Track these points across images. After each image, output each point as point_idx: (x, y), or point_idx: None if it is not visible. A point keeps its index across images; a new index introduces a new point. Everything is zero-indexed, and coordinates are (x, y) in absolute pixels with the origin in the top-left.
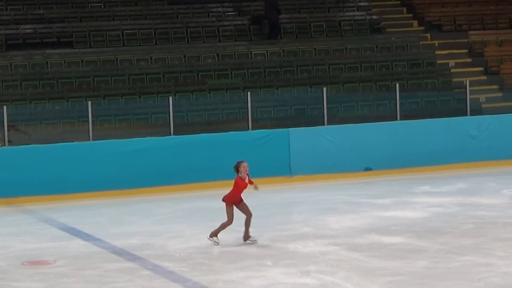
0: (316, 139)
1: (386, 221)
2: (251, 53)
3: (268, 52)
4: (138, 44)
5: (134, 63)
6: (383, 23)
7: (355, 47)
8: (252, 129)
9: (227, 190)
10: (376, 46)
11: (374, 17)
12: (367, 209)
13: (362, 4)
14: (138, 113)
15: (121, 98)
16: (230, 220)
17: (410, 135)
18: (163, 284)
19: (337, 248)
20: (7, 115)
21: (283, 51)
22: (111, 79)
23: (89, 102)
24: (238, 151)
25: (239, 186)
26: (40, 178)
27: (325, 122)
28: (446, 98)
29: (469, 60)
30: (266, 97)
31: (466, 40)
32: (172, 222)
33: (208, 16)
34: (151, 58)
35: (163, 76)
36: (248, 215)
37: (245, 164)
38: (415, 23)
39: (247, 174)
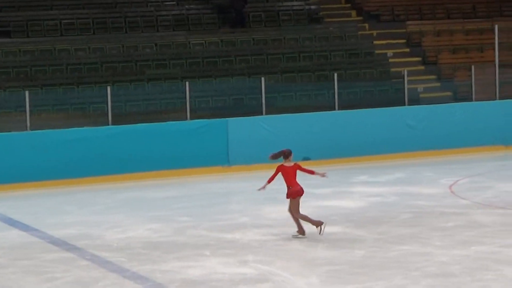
0: (254, 129)
1: (324, 211)
2: (189, 43)
3: (206, 42)
4: (76, 33)
5: (72, 53)
6: (321, 13)
7: (293, 37)
8: (191, 119)
9: (165, 180)
10: (315, 36)
11: (312, 7)
12: (305, 199)
13: None
14: (76, 103)
15: (59, 87)
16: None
17: (348, 125)
18: (101, 274)
19: (275, 237)
20: None
21: (221, 41)
22: (49, 68)
23: (27, 92)
24: (176, 140)
25: (289, 172)
26: None
27: (263, 112)
28: (384, 88)
29: (407, 50)
30: (204, 87)
31: (404, 30)
32: (110, 212)
33: (147, 5)
34: (89, 48)
35: (101, 66)
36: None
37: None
38: (354, 13)
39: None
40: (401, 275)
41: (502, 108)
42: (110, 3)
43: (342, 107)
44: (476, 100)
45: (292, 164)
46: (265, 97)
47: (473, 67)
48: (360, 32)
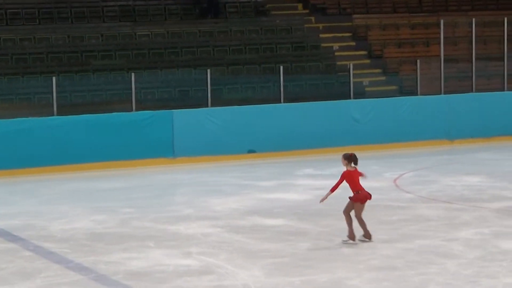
0: (200, 121)
1: (269, 203)
2: (135, 34)
3: (152, 33)
4: (22, 23)
5: (18, 43)
6: (268, 5)
7: (239, 29)
8: (136, 110)
9: (110, 171)
10: (261, 29)
11: None
12: (250, 191)
13: None
14: (21, 93)
15: (4, 78)
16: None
17: (294, 118)
18: (44, 265)
19: (220, 230)
20: None
21: (167, 32)
22: None
23: None
24: (121, 132)
25: (355, 177)
26: None
27: (209, 104)
28: (330, 81)
29: (353, 43)
30: (150, 78)
31: (350, 23)
32: (55, 203)
33: None
34: (34, 38)
35: (47, 56)
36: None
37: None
38: (300, 6)
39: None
40: (345, 268)
41: (447, 103)
42: None
43: (288, 99)
44: (421, 94)
45: (355, 169)
46: (211, 89)
47: (418, 61)
48: (306, 25)
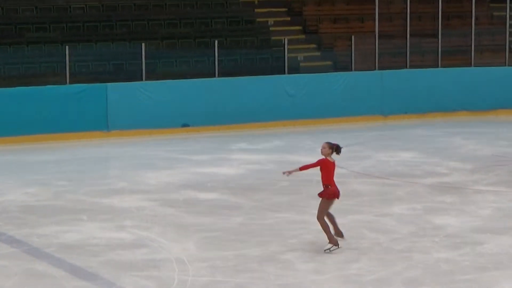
0: (134, 95)
1: (202, 177)
2: (70, 6)
3: (87, 6)
4: None
5: None
6: None
7: (174, 3)
8: (70, 83)
9: (43, 144)
10: (196, 3)
11: None
12: (183, 165)
13: None
14: None
15: None
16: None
17: (228, 92)
18: None
19: (153, 203)
20: None
21: (102, 5)
22: None
23: None
24: (55, 105)
25: (331, 169)
26: None
27: (143, 78)
28: (265, 56)
29: (288, 19)
30: (84, 52)
31: None
32: None
33: None
34: None
35: None
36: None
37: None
38: None
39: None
40: (278, 243)
41: (381, 79)
42: None
43: (222, 74)
44: (356, 70)
45: (333, 161)
46: (145, 63)
47: (353, 37)
48: (241, 0)
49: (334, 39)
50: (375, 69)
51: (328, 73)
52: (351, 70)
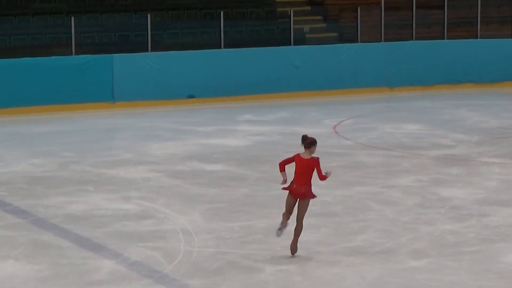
0: (139, 66)
1: (208, 149)
2: None
3: None
4: None
5: None
6: None
7: None
8: (76, 54)
9: (49, 115)
10: None
11: None
12: (189, 137)
13: None
14: None
15: None
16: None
17: (233, 64)
18: None
19: (159, 174)
20: None
21: None
22: None
23: None
24: (61, 76)
25: (302, 167)
26: None
27: (149, 49)
28: (271, 27)
29: None
30: (90, 23)
31: None
32: None
33: None
34: None
35: None
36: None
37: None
38: None
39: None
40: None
41: (387, 51)
42: None
43: (228, 45)
44: (362, 41)
45: (309, 157)
46: (151, 34)
47: (359, 8)
48: None
49: (340, 11)
50: (381, 40)
51: (334, 45)
52: (357, 41)
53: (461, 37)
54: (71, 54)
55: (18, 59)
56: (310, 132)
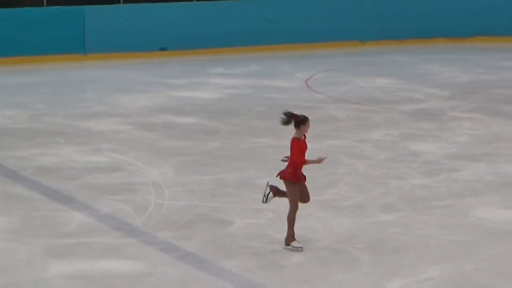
0: (111, 18)
1: (179, 101)
2: None
3: None
4: None
5: None
6: None
7: None
8: (47, 5)
9: (20, 67)
10: None
11: None
12: (161, 89)
13: None
14: None
15: None
16: (295, 205)
17: (206, 17)
18: None
19: (130, 127)
20: None
21: None
22: None
23: None
24: (32, 27)
25: (302, 150)
26: None
27: (121, 1)
28: None
29: None
30: None
31: None
32: None
33: None
34: None
35: None
36: (306, 199)
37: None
38: None
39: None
40: (255, 167)
41: (359, 4)
42: None
43: None
44: None
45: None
46: None
47: None
48: None
49: None
50: None
51: None
52: None
53: None
54: (43, 5)
55: None
56: (282, 86)
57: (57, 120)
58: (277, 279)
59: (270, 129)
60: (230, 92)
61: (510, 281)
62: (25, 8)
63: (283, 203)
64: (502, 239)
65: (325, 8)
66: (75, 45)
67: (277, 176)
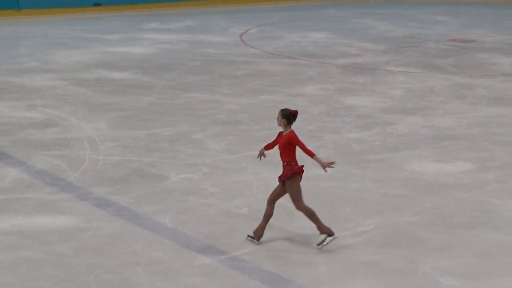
0: None
1: (114, 57)
2: None
3: None
4: None
5: None
6: None
7: None
8: None
9: None
10: None
11: None
12: (95, 45)
13: None
14: None
15: None
16: (302, 201)
17: None
18: None
19: (64, 82)
20: None
21: None
22: None
23: None
24: None
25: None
26: None
27: None
28: None
29: None
30: None
31: None
32: None
33: None
34: None
35: None
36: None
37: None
38: None
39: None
40: (189, 122)
41: None
42: None
43: None
44: None
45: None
46: None
47: None
48: None
49: None
50: None
51: None
52: None
53: None
54: None
55: None
56: (217, 41)
57: None
58: (210, 233)
59: (204, 84)
60: (165, 47)
61: (443, 233)
62: None
63: (218, 158)
64: (436, 193)
65: None
66: (8, 1)
67: (281, 179)
